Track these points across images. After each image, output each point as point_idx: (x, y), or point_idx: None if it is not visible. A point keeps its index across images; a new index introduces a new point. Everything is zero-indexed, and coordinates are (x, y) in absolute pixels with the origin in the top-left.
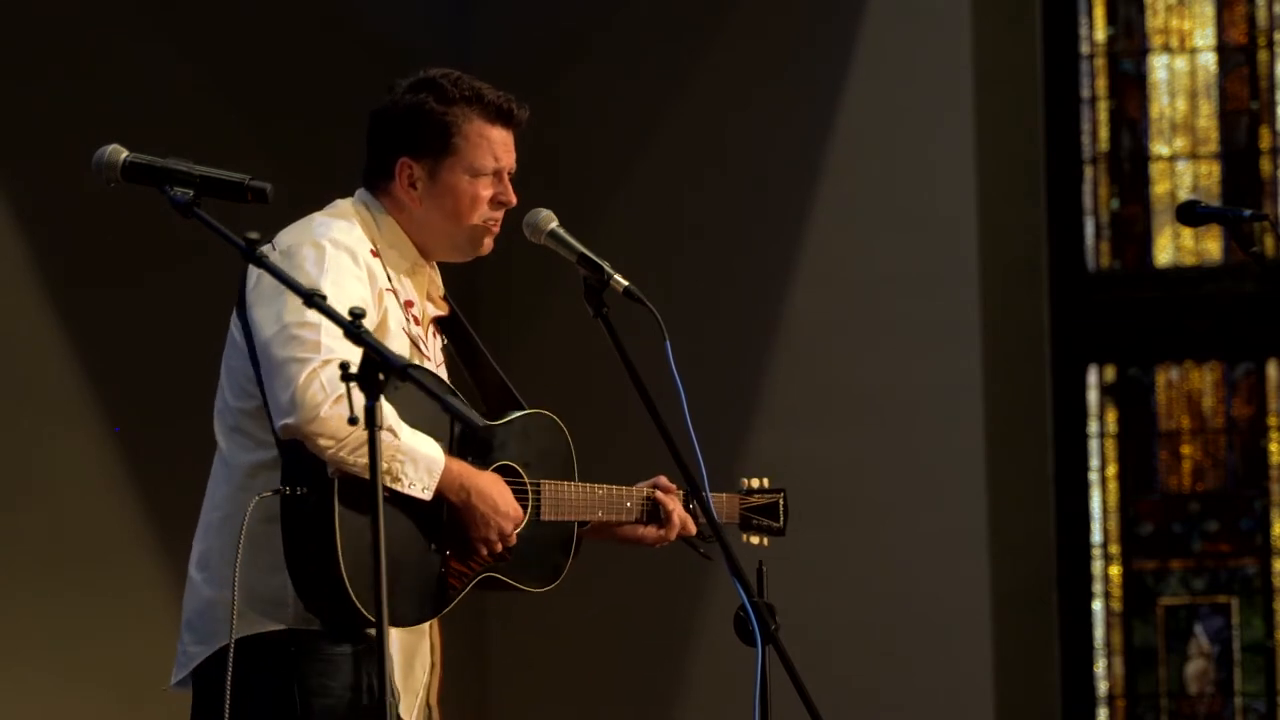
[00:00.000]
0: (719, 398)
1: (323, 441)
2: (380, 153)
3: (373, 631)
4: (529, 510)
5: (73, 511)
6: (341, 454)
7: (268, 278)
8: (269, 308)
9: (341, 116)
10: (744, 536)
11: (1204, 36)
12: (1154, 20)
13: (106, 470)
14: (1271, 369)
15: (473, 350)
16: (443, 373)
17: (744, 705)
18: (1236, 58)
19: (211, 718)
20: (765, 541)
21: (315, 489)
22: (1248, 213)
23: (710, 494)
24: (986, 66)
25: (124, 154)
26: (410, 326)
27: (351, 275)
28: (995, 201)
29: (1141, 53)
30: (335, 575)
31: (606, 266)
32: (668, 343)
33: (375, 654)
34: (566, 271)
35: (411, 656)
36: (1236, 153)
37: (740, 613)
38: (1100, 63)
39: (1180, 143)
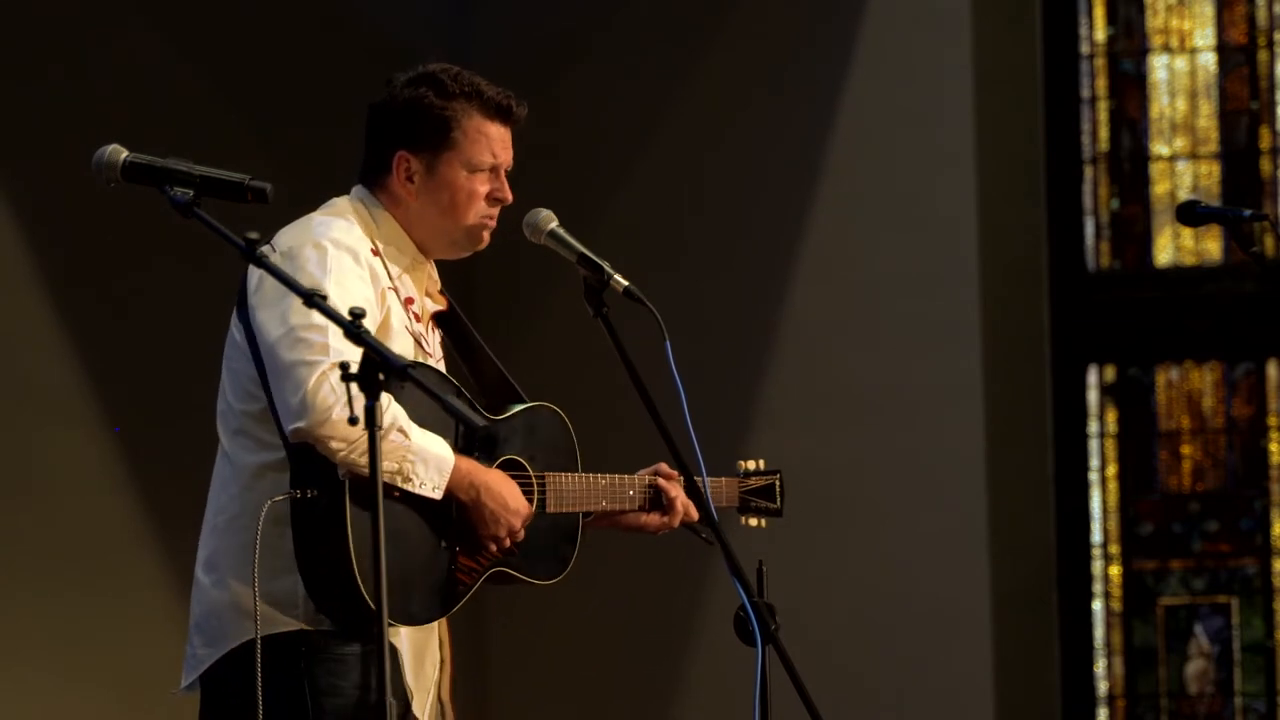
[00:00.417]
0: (719, 398)
1: (335, 444)
2: (378, 147)
3: None
4: (535, 503)
5: (73, 511)
6: (353, 456)
7: (270, 280)
8: (274, 310)
9: (341, 116)
10: (742, 520)
11: (1204, 36)
12: (1154, 20)
13: (106, 470)
14: (1271, 369)
15: (471, 344)
16: (444, 368)
17: (744, 705)
18: (1236, 58)
19: (222, 719)
20: (764, 523)
21: (326, 491)
22: (1248, 213)
23: (710, 479)
24: (986, 66)
25: (124, 154)
26: (412, 324)
27: (355, 275)
28: (995, 201)
29: (1141, 53)
30: (348, 576)
31: (606, 266)
32: (668, 343)
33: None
34: (566, 271)
35: (422, 654)
36: (1236, 153)
37: (740, 613)
38: (1100, 63)
39: (1180, 143)
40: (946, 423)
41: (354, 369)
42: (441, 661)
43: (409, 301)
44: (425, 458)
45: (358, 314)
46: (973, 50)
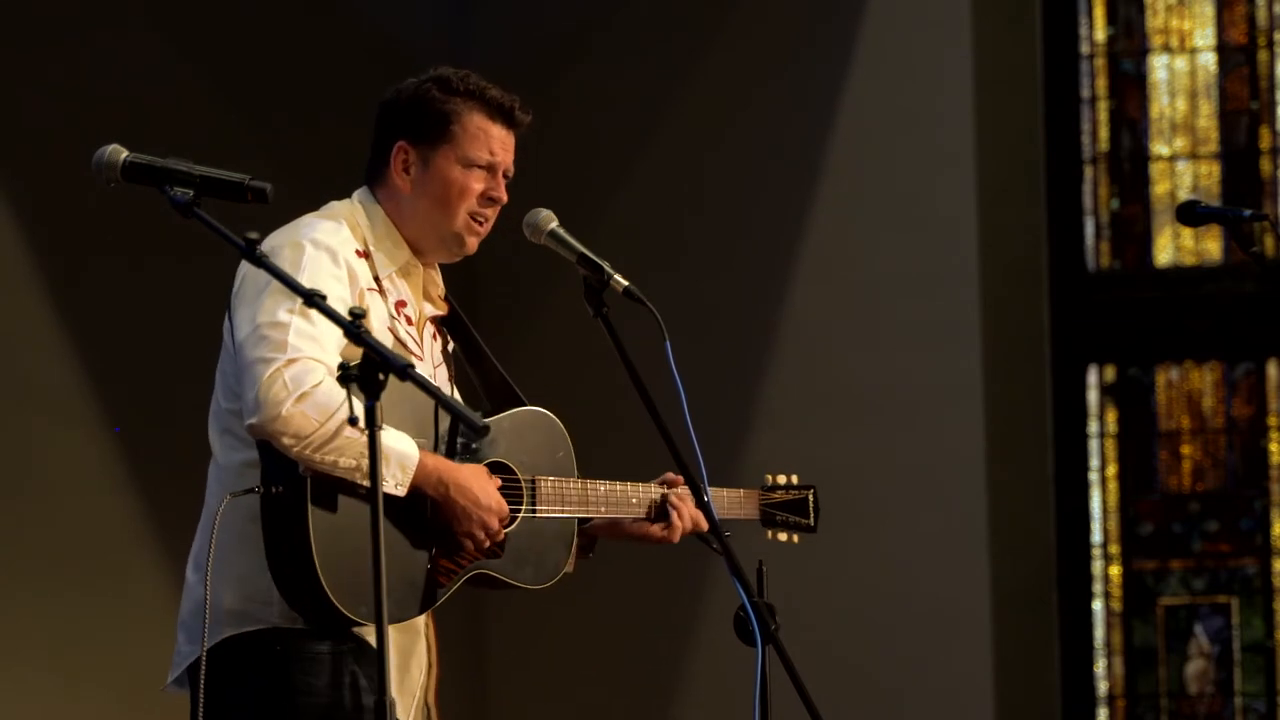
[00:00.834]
0: (719, 398)
1: (286, 440)
2: (380, 139)
3: (357, 630)
4: (524, 506)
5: (72, 511)
6: (307, 452)
7: (249, 280)
8: (247, 309)
9: (341, 116)
10: (769, 534)
11: (1204, 36)
12: (1154, 20)
13: (106, 470)
14: (1271, 369)
15: (475, 349)
16: (441, 372)
17: (744, 705)
18: (1236, 58)
19: (205, 716)
20: (795, 539)
21: (290, 487)
22: (1248, 213)
23: (727, 490)
24: (986, 66)
25: (124, 154)
26: (399, 326)
27: (328, 274)
28: (995, 201)
29: (1141, 53)
30: (311, 574)
31: (606, 266)
32: (668, 343)
33: (360, 652)
34: (566, 271)
35: (407, 657)
36: (1236, 153)
37: (740, 613)
38: (1100, 63)
39: (1180, 143)
40: (946, 423)
41: (329, 369)
42: (429, 665)
43: (400, 304)
44: (387, 454)
45: (357, 314)
46: (973, 50)
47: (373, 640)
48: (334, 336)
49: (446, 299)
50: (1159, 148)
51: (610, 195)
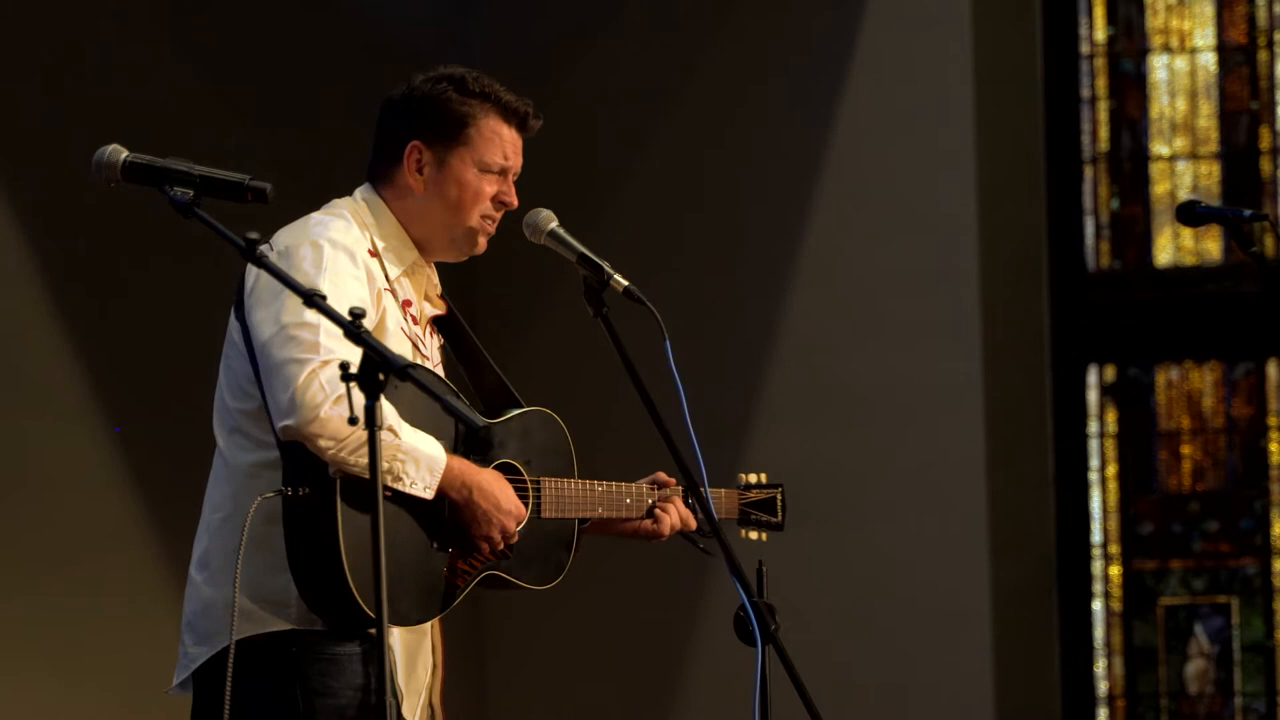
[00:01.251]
0: (719, 398)
1: (323, 443)
2: (390, 137)
3: (371, 631)
4: (530, 507)
5: (73, 511)
6: (342, 454)
7: (266, 279)
8: (268, 309)
9: (341, 116)
10: (742, 533)
11: (1204, 36)
12: (1154, 20)
13: (106, 470)
14: (1271, 369)
15: (470, 349)
16: (441, 372)
17: (744, 705)
18: (1236, 58)
19: (213, 719)
20: (764, 537)
21: (317, 489)
22: (1248, 213)
23: (710, 489)
24: (986, 66)
25: (124, 154)
26: (409, 326)
27: (350, 275)
28: (995, 201)
29: (1141, 53)
30: (339, 575)
31: (606, 266)
32: (668, 343)
33: (374, 654)
34: (566, 271)
35: (414, 657)
36: (1236, 153)
37: (740, 613)
38: (1100, 63)
39: (1180, 143)
40: (946, 422)
41: (353, 369)
42: (434, 665)
43: (407, 304)
44: (416, 457)
45: (357, 314)
46: (973, 50)
47: (390, 642)
48: None
49: (443, 298)
50: (1159, 148)
51: (610, 195)
